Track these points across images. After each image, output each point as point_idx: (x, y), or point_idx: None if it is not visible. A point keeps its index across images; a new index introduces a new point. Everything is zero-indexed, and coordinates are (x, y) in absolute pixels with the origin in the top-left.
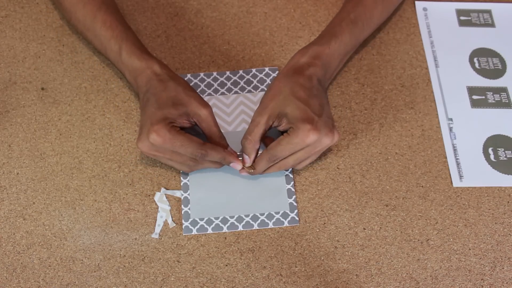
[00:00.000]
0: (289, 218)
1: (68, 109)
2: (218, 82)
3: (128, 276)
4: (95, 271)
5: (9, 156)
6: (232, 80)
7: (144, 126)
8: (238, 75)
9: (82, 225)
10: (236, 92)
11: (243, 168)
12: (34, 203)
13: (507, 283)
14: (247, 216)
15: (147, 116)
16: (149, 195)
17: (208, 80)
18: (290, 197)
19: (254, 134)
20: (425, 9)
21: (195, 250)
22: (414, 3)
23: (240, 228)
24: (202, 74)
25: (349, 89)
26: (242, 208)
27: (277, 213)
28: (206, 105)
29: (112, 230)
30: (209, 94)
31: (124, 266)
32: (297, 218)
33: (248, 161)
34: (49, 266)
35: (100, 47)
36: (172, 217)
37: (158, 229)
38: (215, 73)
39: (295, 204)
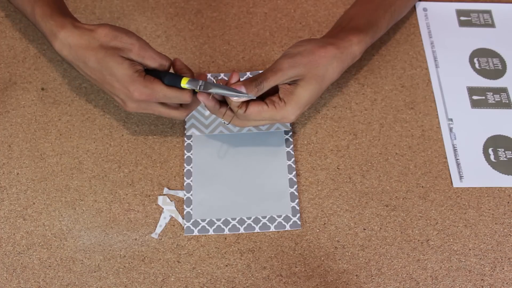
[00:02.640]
0: (291, 222)
1: (68, 109)
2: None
3: (128, 276)
4: (95, 272)
5: (9, 156)
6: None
7: (116, 90)
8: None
9: (82, 225)
10: None
11: (220, 106)
12: (34, 203)
13: (507, 283)
14: (249, 218)
15: (107, 80)
16: (149, 195)
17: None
18: (293, 200)
19: (269, 84)
20: (425, 9)
21: (195, 250)
22: (414, 3)
23: (242, 230)
24: (222, 75)
25: (349, 89)
26: (244, 210)
27: (279, 216)
28: (133, 41)
29: (112, 231)
30: None
31: (124, 266)
32: (299, 222)
33: (239, 103)
34: (49, 266)
35: (20, 11)
36: (179, 215)
37: (159, 229)
38: (222, 75)
39: (297, 208)
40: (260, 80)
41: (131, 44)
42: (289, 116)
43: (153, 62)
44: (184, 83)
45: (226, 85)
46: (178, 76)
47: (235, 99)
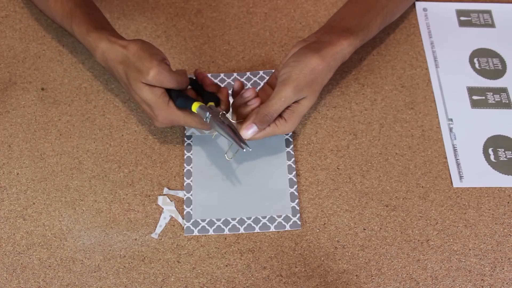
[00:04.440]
0: (291, 222)
1: (68, 109)
2: (225, 84)
3: (128, 276)
4: (95, 272)
5: (9, 156)
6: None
7: (143, 108)
8: (245, 77)
9: (82, 225)
10: None
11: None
12: (34, 203)
13: (507, 283)
14: (249, 218)
15: (136, 98)
16: (149, 196)
17: (215, 81)
18: (293, 200)
19: (278, 112)
20: (425, 9)
21: (195, 250)
22: (414, 4)
23: (242, 230)
24: (222, 75)
25: (349, 90)
26: (244, 210)
27: (279, 216)
28: (152, 65)
29: (112, 231)
30: None
31: (124, 266)
32: (299, 223)
33: (253, 134)
34: (49, 266)
35: (64, 30)
36: (179, 215)
37: (159, 229)
38: (222, 75)
39: (297, 208)
40: (271, 113)
41: (150, 68)
42: (289, 130)
43: (171, 85)
44: (195, 108)
45: (234, 94)
46: (190, 100)
47: (248, 137)
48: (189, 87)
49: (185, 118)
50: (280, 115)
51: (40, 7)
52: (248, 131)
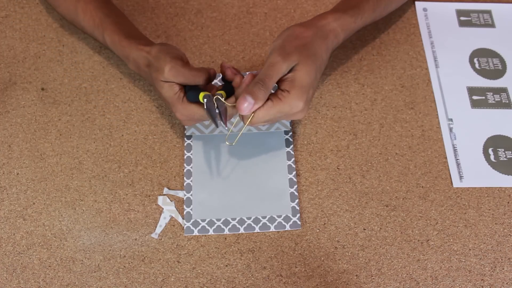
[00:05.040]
0: (291, 222)
1: (68, 109)
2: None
3: (128, 276)
4: (95, 272)
5: (9, 156)
6: None
7: (169, 104)
8: None
9: (82, 225)
10: None
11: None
12: (34, 203)
13: (507, 283)
14: (248, 218)
15: (163, 97)
16: (149, 196)
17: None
18: (292, 201)
19: (272, 80)
20: (425, 9)
21: (195, 250)
22: (414, 3)
23: (242, 230)
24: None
25: (349, 90)
26: (244, 210)
27: (279, 216)
28: (166, 62)
29: (112, 231)
30: None
31: (124, 266)
32: (299, 223)
33: (254, 107)
34: (49, 266)
35: (94, 39)
36: (179, 215)
37: (159, 229)
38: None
39: (297, 208)
40: (263, 79)
41: (164, 65)
42: (297, 103)
43: (185, 79)
44: (201, 97)
45: (231, 82)
46: (199, 91)
47: (246, 112)
48: (217, 83)
49: (199, 111)
50: (281, 90)
51: (68, 19)
52: (243, 105)
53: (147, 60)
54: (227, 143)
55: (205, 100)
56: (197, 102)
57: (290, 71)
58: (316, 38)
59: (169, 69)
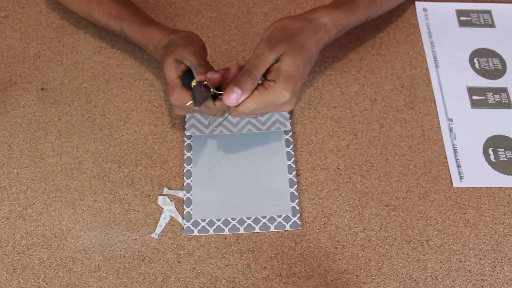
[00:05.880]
0: (291, 222)
1: (68, 109)
2: None
3: (128, 276)
4: (95, 272)
5: (9, 156)
6: None
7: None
8: None
9: (82, 225)
10: None
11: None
12: (34, 203)
13: (507, 283)
14: (248, 218)
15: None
16: (149, 196)
17: None
18: (292, 201)
19: (259, 71)
20: (425, 9)
21: (195, 250)
22: (414, 4)
23: (242, 230)
24: None
25: (349, 90)
26: (244, 210)
27: (279, 216)
28: (193, 42)
29: (112, 231)
30: None
31: (124, 266)
32: (299, 223)
33: (241, 98)
34: (49, 266)
35: (107, 30)
36: (179, 215)
37: (159, 229)
38: None
39: (297, 208)
40: (250, 70)
41: (188, 44)
42: (283, 93)
43: (197, 65)
44: (193, 84)
45: (223, 75)
46: (193, 77)
47: (233, 102)
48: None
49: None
50: (267, 80)
51: (81, 14)
52: (231, 96)
53: (168, 40)
54: (210, 128)
55: (194, 84)
56: (190, 87)
57: (276, 61)
58: (305, 30)
59: (191, 49)
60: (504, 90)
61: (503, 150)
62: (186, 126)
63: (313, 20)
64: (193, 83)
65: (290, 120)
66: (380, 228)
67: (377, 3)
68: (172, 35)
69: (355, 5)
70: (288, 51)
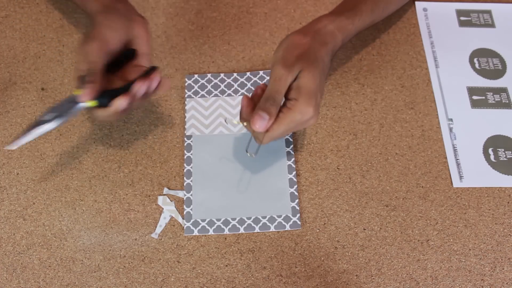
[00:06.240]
0: (291, 222)
1: None
2: (225, 83)
3: (128, 276)
4: (95, 272)
5: (9, 156)
6: (238, 82)
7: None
8: (232, 77)
9: (82, 225)
10: (217, 95)
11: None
12: (34, 203)
13: (507, 283)
14: (249, 218)
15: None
16: (149, 196)
17: (215, 81)
18: (293, 201)
19: (281, 94)
20: (425, 9)
21: (195, 250)
22: (414, 4)
23: (242, 230)
24: (209, 75)
25: (349, 90)
26: (244, 210)
27: (279, 216)
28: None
29: (112, 231)
30: (203, 96)
31: (124, 266)
32: (299, 223)
33: (268, 123)
34: (49, 266)
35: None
36: (179, 215)
37: (159, 229)
38: (222, 75)
39: (297, 208)
40: (272, 95)
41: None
42: (307, 109)
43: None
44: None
45: (241, 109)
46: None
47: (262, 128)
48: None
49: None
50: (289, 99)
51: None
52: (259, 122)
53: (96, 19)
54: (248, 155)
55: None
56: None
57: (294, 80)
58: (315, 43)
59: (97, 46)
60: (504, 90)
61: (503, 150)
62: (186, 126)
63: (320, 31)
64: (75, 92)
65: None
66: (380, 228)
67: (380, 7)
68: (103, 13)
69: (359, 10)
70: (305, 68)
